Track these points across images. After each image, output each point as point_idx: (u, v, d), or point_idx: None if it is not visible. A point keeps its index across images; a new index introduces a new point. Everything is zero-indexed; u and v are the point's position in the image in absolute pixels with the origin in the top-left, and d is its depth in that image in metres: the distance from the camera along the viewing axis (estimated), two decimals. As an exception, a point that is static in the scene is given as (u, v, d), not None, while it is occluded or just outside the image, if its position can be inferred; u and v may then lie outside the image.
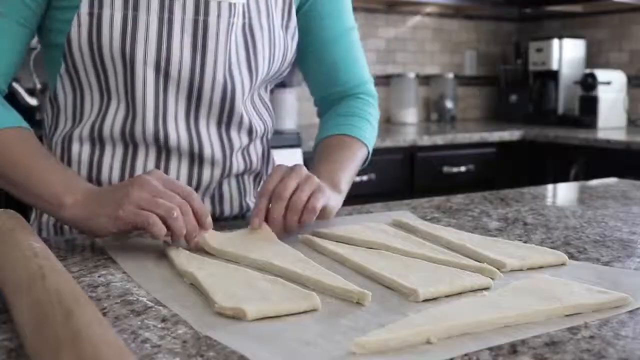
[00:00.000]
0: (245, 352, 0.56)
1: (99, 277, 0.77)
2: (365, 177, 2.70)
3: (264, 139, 1.17)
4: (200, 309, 0.66)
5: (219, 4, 1.00)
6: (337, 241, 0.91)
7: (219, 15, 1.00)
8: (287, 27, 1.09)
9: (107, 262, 0.83)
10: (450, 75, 3.68)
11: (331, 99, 1.21)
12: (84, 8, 0.95)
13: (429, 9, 3.70)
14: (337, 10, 1.16)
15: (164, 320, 0.63)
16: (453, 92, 3.70)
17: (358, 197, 2.17)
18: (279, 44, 1.08)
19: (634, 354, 0.56)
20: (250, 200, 1.16)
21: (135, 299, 0.69)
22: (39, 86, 2.56)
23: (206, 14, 1.00)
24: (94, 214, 0.85)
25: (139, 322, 0.63)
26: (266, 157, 1.20)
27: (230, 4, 1.01)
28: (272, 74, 1.10)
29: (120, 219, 0.82)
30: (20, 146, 0.94)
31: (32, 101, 2.55)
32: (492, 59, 3.99)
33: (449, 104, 3.68)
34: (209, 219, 0.86)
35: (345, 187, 1.05)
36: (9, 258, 0.69)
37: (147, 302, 0.68)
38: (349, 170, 1.08)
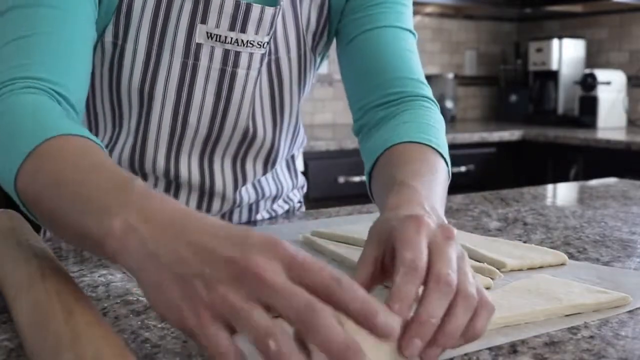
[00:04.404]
0: (245, 352, 0.56)
1: (99, 277, 0.77)
2: (365, 177, 2.70)
3: (286, 162, 1.12)
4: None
5: (251, 55, 0.92)
6: (337, 241, 0.91)
7: (249, 67, 0.93)
8: (316, 48, 1.02)
9: (107, 262, 0.83)
10: (450, 75, 3.68)
11: (380, 97, 0.93)
12: (108, 37, 0.89)
13: (429, 9, 3.70)
14: (395, 8, 0.97)
15: (164, 320, 0.63)
16: (453, 92, 3.70)
17: (358, 197, 2.17)
18: (309, 68, 1.01)
19: (633, 354, 0.56)
20: (260, 214, 1.11)
21: (135, 299, 0.69)
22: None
23: (235, 65, 0.92)
24: (155, 279, 0.47)
25: (139, 322, 0.63)
26: (292, 175, 1.15)
27: (262, 55, 0.93)
28: (304, 96, 1.05)
29: (182, 323, 0.46)
30: (69, 155, 0.63)
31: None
32: (492, 59, 3.99)
33: (449, 104, 3.68)
34: (382, 320, 0.44)
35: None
36: (9, 258, 0.69)
37: (147, 302, 0.68)
38: (443, 201, 0.74)
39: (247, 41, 0.91)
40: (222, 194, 1.01)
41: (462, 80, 3.88)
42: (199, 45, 0.90)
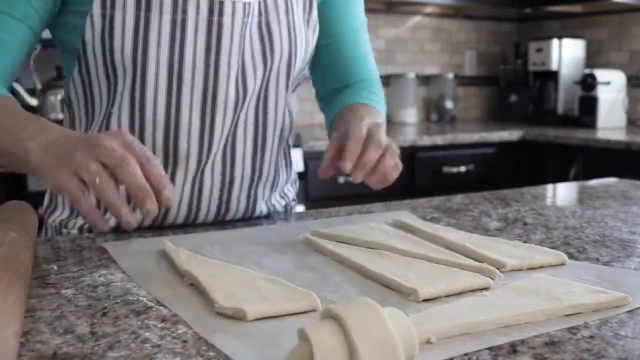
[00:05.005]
0: (243, 355, 0.56)
1: (99, 277, 0.77)
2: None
3: (283, 153, 1.14)
4: (200, 309, 0.66)
5: (234, 4, 0.98)
6: (337, 241, 0.91)
7: (233, 15, 0.98)
8: (308, 21, 1.08)
9: (107, 262, 0.83)
10: (450, 75, 3.68)
11: (338, 89, 1.21)
12: (96, 9, 0.94)
13: (429, 9, 3.70)
14: (352, 3, 1.16)
15: (164, 320, 0.63)
16: (453, 92, 3.70)
17: (358, 197, 2.17)
18: (300, 38, 1.05)
19: (633, 353, 0.56)
20: (259, 207, 1.12)
21: (135, 299, 0.69)
22: (39, 86, 2.56)
23: (220, 14, 0.98)
24: (51, 166, 0.77)
25: (139, 322, 0.63)
26: (288, 165, 1.17)
27: (244, 4, 0.99)
28: (297, 70, 1.07)
29: (59, 187, 0.76)
30: None
31: (33, 101, 2.55)
32: (492, 59, 3.99)
33: (449, 104, 3.68)
34: (167, 192, 0.76)
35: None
36: None
37: (147, 302, 0.68)
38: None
39: None
40: (211, 174, 1.03)
41: (462, 80, 3.88)
42: (185, 0, 0.96)
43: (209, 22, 0.98)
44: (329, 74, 1.20)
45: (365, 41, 1.21)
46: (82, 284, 0.74)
